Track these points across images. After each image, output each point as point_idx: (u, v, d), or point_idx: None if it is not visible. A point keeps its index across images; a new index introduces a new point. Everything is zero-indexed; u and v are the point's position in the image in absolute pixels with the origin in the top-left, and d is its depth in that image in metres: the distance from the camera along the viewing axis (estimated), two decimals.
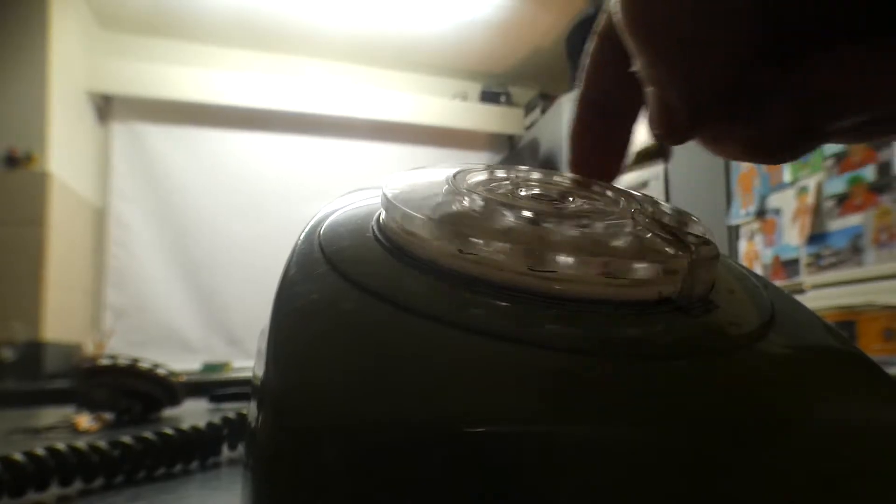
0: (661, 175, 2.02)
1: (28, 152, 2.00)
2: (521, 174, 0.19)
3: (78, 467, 0.28)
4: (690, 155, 1.94)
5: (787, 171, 1.53)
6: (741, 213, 1.71)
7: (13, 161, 1.99)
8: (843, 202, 1.38)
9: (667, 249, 0.15)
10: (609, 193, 0.18)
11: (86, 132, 2.37)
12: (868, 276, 1.33)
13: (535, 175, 0.19)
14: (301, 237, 0.17)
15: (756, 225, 1.65)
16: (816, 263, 1.45)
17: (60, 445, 0.28)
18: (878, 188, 1.31)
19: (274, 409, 0.11)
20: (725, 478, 0.12)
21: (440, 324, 0.13)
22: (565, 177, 0.19)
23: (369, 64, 2.79)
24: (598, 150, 0.19)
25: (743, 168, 1.71)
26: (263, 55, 2.66)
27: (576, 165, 0.19)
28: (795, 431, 0.12)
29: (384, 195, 0.16)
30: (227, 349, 2.47)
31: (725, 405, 0.12)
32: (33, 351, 1.90)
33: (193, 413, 0.58)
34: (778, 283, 1.48)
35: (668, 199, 1.93)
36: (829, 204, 1.42)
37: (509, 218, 0.15)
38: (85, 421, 0.49)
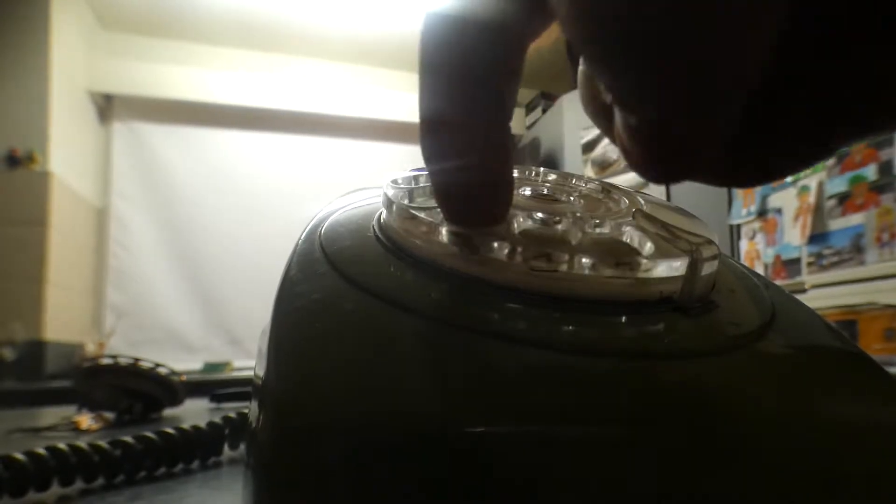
0: None
1: (29, 152, 2.00)
2: (521, 174, 0.19)
3: (79, 467, 0.28)
4: None
5: None
6: (742, 212, 1.71)
7: (14, 161, 2.00)
8: (845, 202, 1.38)
9: (667, 249, 0.15)
10: (610, 193, 0.18)
11: (87, 132, 2.38)
12: (869, 275, 1.33)
13: (536, 174, 0.19)
14: (302, 237, 0.17)
15: (757, 224, 1.65)
16: (817, 263, 1.45)
17: (61, 445, 0.28)
18: (879, 188, 1.31)
19: (275, 409, 0.11)
20: (726, 477, 0.11)
21: (441, 324, 0.13)
22: (566, 176, 0.19)
23: (369, 64, 2.79)
24: None
25: None
26: (264, 55, 2.67)
27: None
28: (796, 431, 0.12)
29: (385, 195, 0.16)
30: (228, 349, 2.47)
31: (726, 405, 0.12)
32: (34, 350, 1.90)
33: (194, 413, 0.58)
34: (779, 282, 1.48)
35: (668, 199, 1.93)
36: (830, 203, 1.42)
37: (510, 218, 0.15)
38: (86, 420, 0.49)
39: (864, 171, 1.33)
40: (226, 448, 0.34)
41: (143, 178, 2.52)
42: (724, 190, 1.80)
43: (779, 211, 1.57)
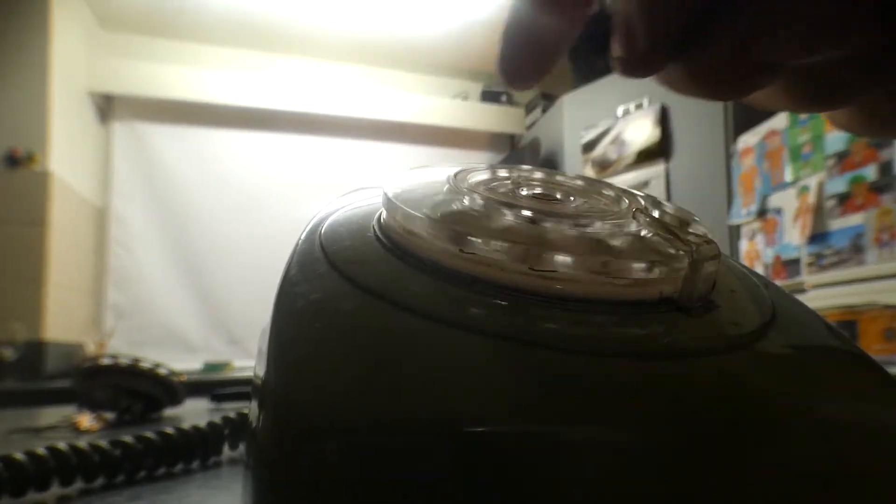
0: (661, 174, 2.02)
1: (29, 152, 2.00)
2: (522, 174, 0.19)
3: (79, 467, 0.28)
4: (692, 154, 1.94)
5: (788, 171, 1.53)
6: (742, 212, 1.71)
7: (14, 161, 2.00)
8: (845, 202, 1.38)
9: (668, 249, 0.15)
10: (610, 193, 0.18)
11: (87, 132, 2.38)
12: (869, 275, 1.33)
13: (536, 174, 0.19)
14: (302, 237, 0.17)
15: (757, 224, 1.65)
16: (817, 263, 1.45)
17: (61, 445, 0.28)
18: (879, 188, 1.31)
19: (275, 409, 0.11)
20: (726, 477, 0.11)
21: (441, 324, 0.13)
22: (566, 176, 0.19)
23: (370, 64, 2.79)
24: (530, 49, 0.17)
25: (744, 168, 1.71)
26: (264, 55, 2.67)
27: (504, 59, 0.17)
28: (796, 431, 0.12)
29: (385, 195, 0.16)
30: (228, 349, 2.47)
31: (726, 405, 0.12)
32: (34, 350, 1.90)
33: (194, 412, 0.58)
34: (779, 282, 1.48)
35: (668, 199, 1.93)
36: (830, 203, 1.42)
37: (510, 218, 0.15)
38: (86, 420, 0.49)
39: (864, 171, 1.33)
40: (226, 448, 0.34)
41: (143, 178, 2.52)
42: (723, 190, 1.80)
43: (778, 211, 1.57)
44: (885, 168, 1.29)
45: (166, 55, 2.52)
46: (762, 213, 1.63)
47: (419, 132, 2.82)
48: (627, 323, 0.14)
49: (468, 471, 0.10)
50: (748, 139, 1.70)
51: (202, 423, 0.33)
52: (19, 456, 0.26)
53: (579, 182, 0.19)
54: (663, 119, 2.02)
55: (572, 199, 0.18)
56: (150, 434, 0.30)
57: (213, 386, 0.75)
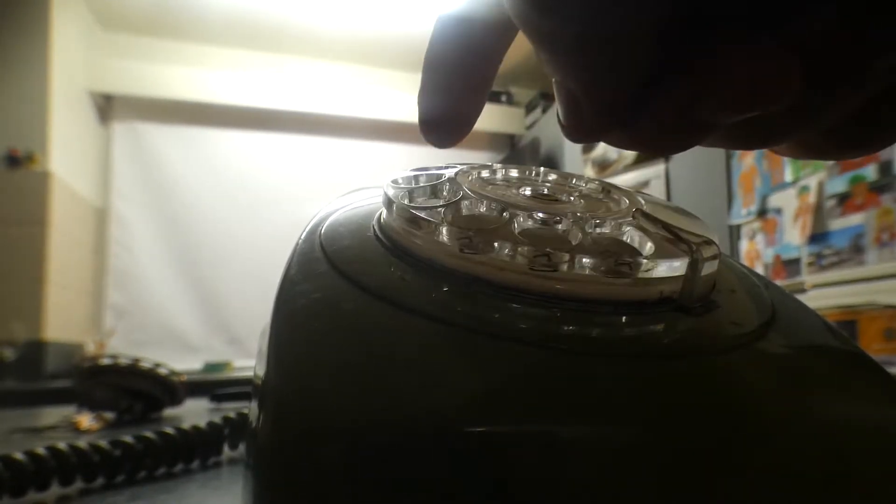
0: (662, 174, 2.02)
1: (29, 152, 2.00)
2: (521, 174, 0.19)
3: (79, 467, 0.28)
4: (692, 155, 1.94)
5: (788, 171, 1.53)
6: (742, 212, 1.71)
7: (14, 161, 2.00)
8: (845, 202, 1.38)
9: (668, 249, 0.15)
10: (610, 193, 0.18)
11: (87, 132, 2.38)
12: (869, 275, 1.33)
13: (536, 174, 0.19)
14: (302, 237, 0.17)
15: (757, 224, 1.65)
16: (817, 263, 1.45)
17: (61, 445, 0.28)
18: (879, 188, 1.31)
19: (275, 409, 0.11)
20: (725, 477, 0.11)
21: (441, 324, 0.13)
22: (566, 176, 0.19)
23: (369, 64, 2.79)
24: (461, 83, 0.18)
25: (744, 167, 1.71)
26: (264, 55, 2.67)
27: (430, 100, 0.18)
28: (795, 431, 0.12)
29: (385, 195, 0.16)
30: (228, 348, 2.47)
31: (726, 404, 0.12)
32: (34, 350, 1.90)
33: (194, 412, 0.58)
34: (779, 282, 1.48)
35: (669, 199, 1.93)
36: (830, 203, 1.42)
37: (510, 218, 0.15)
38: (86, 420, 0.49)
39: (864, 171, 1.33)
40: (226, 448, 0.34)
41: (143, 178, 2.52)
42: (723, 190, 1.80)
43: (779, 211, 1.57)
44: (885, 168, 1.29)
45: (166, 55, 2.52)
46: (762, 212, 1.63)
47: (419, 132, 2.82)
48: (628, 323, 0.14)
49: (468, 471, 0.10)
50: None
51: (202, 423, 0.33)
52: (19, 456, 0.26)
53: (579, 182, 0.19)
54: None
55: (572, 199, 0.18)
56: (150, 434, 0.30)
57: (213, 386, 0.75)
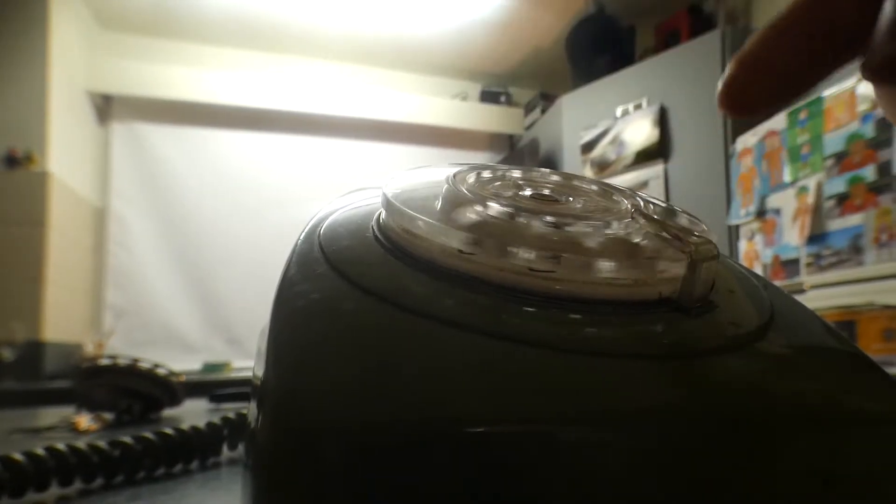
0: (661, 175, 2.02)
1: (28, 152, 2.00)
2: (521, 174, 0.19)
3: (78, 467, 0.28)
4: (691, 155, 1.94)
5: (787, 171, 1.53)
6: (741, 213, 1.71)
7: (13, 161, 1.99)
8: (843, 202, 1.38)
9: (667, 249, 0.15)
10: (609, 193, 0.18)
11: (86, 132, 2.37)
12: (868, 276, 1.33)
13: (535, 175, 0.19)
14: (301, 237, 0.17)
15: (756, 225, 1.66)
16: (816, 263, 1.45)
17: (60, 445, 0.28)
18: (877, 188, 1.31)
19: (274, 410, 0.11)
20: (725, 477, 0.11)
21: (440, 324, 0.13)
22: (566, 177, 0.19)
23: (369, 64, 2.79)
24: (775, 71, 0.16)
25: (743, 168, 1.71)
26: (263, 55, 2.67)
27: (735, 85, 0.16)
28: (795, 431, 0.12)
29: (384, 195, 0.16)
30: (227, 349, 2.47)
31: (725, 405, 0.12)
32: (33, 351, 1.90)
33: (193, 413, 0.58)
34: (778, 283, 1.48)
35: (667, 199, 1.94)
36: (829, 204, 1.42)
37: (509, 218, 0.15)
38: (85, 421, 0.49)
39: (863, 171, 1.33)
40: (225, 448, 0.34)
41: (142, 178, 2.52)
42: (722, 190, 1.80)
43: (777, 211, 1.57)
44: (883, 168, 1.29)
45: (166, 55, 2.52)
46: (761, 213, 1.63)
47: (419, 132, 2.82)
48: (627, 323, 0.14)
49: (467, 471, 0.10)
50: (747, 140, 1.70)
51: (201, 423, 0.33)
52: (18, 456, 0.26)
53: (578, 182, 0.19)
54: (662, 119, 2.02)
55: (571, 199, 0.18)
56: (149, 434, 0.30)
57: (212, 386, 0.74)
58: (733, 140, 1.77)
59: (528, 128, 2.86)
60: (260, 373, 0.13)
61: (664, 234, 0.15)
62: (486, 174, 0.19)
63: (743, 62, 0.16)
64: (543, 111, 2.72)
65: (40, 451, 0.27)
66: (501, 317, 0.13)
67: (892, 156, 1.28)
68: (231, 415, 0.35)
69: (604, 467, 0.11)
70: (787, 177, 1.53)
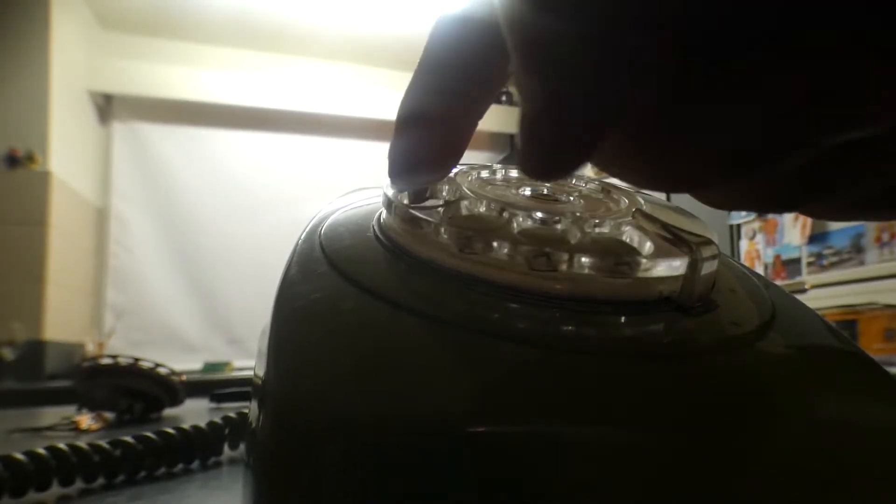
0: None
1: (29, 152, 2.00)
2: (521, 174, 0.19)
3: (79, 467, 0.28)
4: None
5: None
6: (742, 212, 1.71)
7: (14, 161, 2.00)
8: None
9: (667, 249, 0.15)
10: (610, 193, 0.18)
11: (87, 132, 2.38)
12: (869, 275, 1.33)
13: None
14: (302, 237, 0.17)
15: (757, 224, 1.65)
16: (817, 263, 1.45)
17: (61, 445, 0.28)
18: None
19: (275, 409, 0.11)
20: (725, 477, 0.11)
21: (441, 324, 0.13)
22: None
23: (369, 64, 2.79)
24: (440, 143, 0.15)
25: None
26: (264, 55, 2.67)
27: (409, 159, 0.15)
28: (796, 431, 0.12)
29: (385, 195, 0.16)
30: (228, 348, 2.47)
31: (726, 404, 0.12)
32: (34, 350, 1.90)
33: (194, 412, 0.58)
34: (779, 282, 1.48)
35: (668, 198, 1.93)
36: None
37: (510, 218, 0.15)
38: (86, 420, 0.49)
39: None
40: (226, 448, 0.34)
41: (143, 178, 2.52)
42: None
43: None
44: None
45: (166, 55, 2.52)
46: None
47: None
48: (627, 323, 0.14)
49: (468, 471, 0.10)
50: None
51: (202, 423, 0.33)
52: (19, 456, 0.26)
53: (579, 182, 0.19)
54: None
55: (572, 198, 0.18)
56: (150, 434, 0.30)
57: (213, 386, 0.75)
58: None
59: None
60: (261, 372, 0.13)
61: (665, 233, 0.15)
62: (487, 174, 0.19)
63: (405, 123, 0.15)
64: None
65: (41, 450, 0.27)
66: (502, 316, 0.13)
67: None
68: (232, 414, 0.35)
69: (603, 467, 0.11)
70: None
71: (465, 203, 0.16)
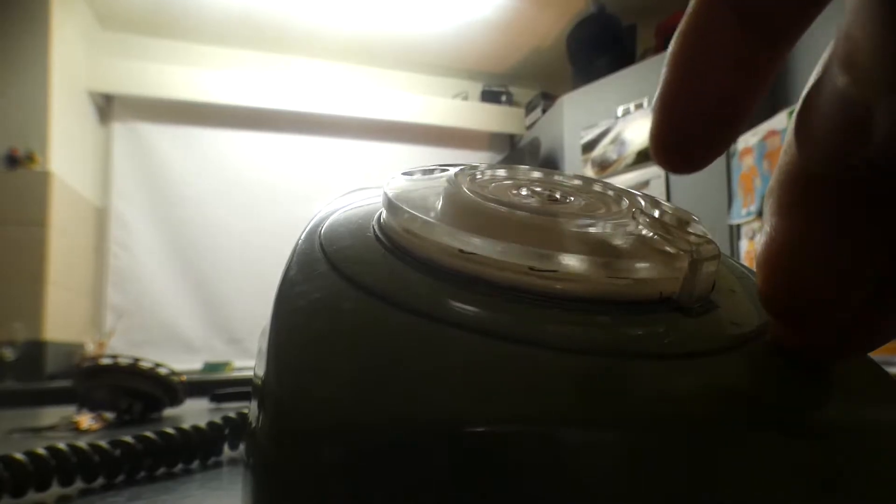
0: (661, 174, 2.02)
1: (29, 152, 2.00)
2: (521, 174, 0.19)
3: (79, 467, 0.28)
4: None
5: None
6: (742, 212, 1.71)
7: (14, 161, 2.00)
8: None
9: (667, 249, 0.15)
10: (610, 193, 0.18)
11: (87, 132, 2.38)
12: None
13: (536, 174, 0.19)
14: (302, 237, 0.16)
15: (757, 224, 1.65)
16: None
17: (61, 445, 0.28)
18: None
19: (274, 410, 0.11)
20: (725, 478, 0.11)
21: (441, 324, 0.13)
22: (566, 176, 0.19)
23: (369, 64, 2.79)
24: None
25: (744, 168, 1.71)
26: (264, 55, 2.67)
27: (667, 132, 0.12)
28: (795, 431, 0.12)
29: (385, 195, 0.16)
30: (228, 348, 2.47)
31: (725, 405, 0.12)
32: (34, 350, 1.90)
33: (194, 412, 0.58)
34: None
35: (668, 199, 1.94)
36: None
37: (510, 217, 0.15)
38: (86, 420, 0.49)
39: None
40: (226, 448, 0.34)
41: (143, 178, 2.52)
42: (723, 190, 1.80)
43: None
44: None
45: (166, 55, 2.52)
46: (762, 212, 1.63)
47: (419, 132, 2.82)
48: (627, 323, 0.14)
49: (468, 471, 0.10)
50: (748, 139, 1.70)
51: (202, 423, 0.33)
52: (19, 456, 0.26)
53: (579, 182, 0.19)
54: None
55: (572, 199, 0.18)
56: (150, 434, 0.30)
57: (213, 386, 0.75)
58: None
59: (529, 127, 2.86)
60: (261, 373, 0.13)
61: (665, 233, 0.15)
62: (487, 174, 0.19)
63: (665, 102, 0.12)
64: (544, 111, 2.72)
65: (41, 450, 0.27)
66: (502, 317, 0.13)
67: None
68: (232, 414, 0.35)
69: (603, 468, 0.11)
70: None
71: (465, 203, 0.16)
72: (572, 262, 0.14)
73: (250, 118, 2.62)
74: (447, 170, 0.18)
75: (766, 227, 0.12)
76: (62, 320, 2.04)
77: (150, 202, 2.52)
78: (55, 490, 0.27)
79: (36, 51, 2.04)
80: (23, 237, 1.96)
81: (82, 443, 0.28)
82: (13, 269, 1.94)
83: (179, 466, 0.31)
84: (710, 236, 0.15)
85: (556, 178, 0.19)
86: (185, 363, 2.05)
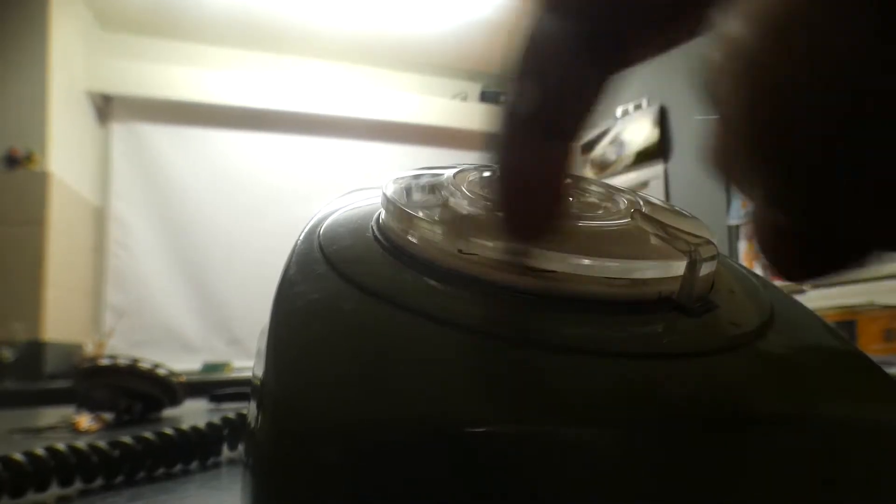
0: (661, 175, 2.02)
1: (28, 152, 2.00)
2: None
3: (78, 467, 0.28)
4: (690, 155, 1.94)
5: None
6: (741, 213, 1.71)
7: (13, 161, 1.99)
8: None
9: (666, 249, 0.15)
10: (609, 193, 0.18)
11: (86, 132, 2.37)
12: (868, 275, 1.33)
13: None
14: (301, 237, 0.17)
15: None
16: None
17: (60, 445, 0.28)
18: None
19: (273, 410, 0.11)
20: (724, 477, 0.11)
21: (439, 324, 0.13)
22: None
23: (369, 64, 2.79)
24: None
25: None
26: (263, 55, 2.67)
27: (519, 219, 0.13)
28: (795, 431, 0.12)
29: (384, 195, 0.16)
30: (228, 349, 2.47)
31: (725, 405, 0.12)
32: (33, 351, 1.90)
33: (193, 413, 0.58)
34: (777, 283, 1.48)
35: (668, 199, 1.94)
36: None
37: None
38: (85, 421, 0.49)
39: None
40: (225, 448, 0.34)
41: (142, 178, 2.52)
42: (722, 190, 1.80)
43: None
44: None
45: (166, 55, 2.52)
46: None
47: (418, 132, 2.82)
48: (626, 323, 0.14)
49: (467, 471, 0.10)
50: None
51: (201, 423, 0.33)
52: (18, 456, 0.26)
53: (578, 182, 0.19)
54: (662, 119, 2.02)
55: (571, 199, 0.18)
56: (149, 435, 0.30)
57: (212, 386, 0.74)
58: None
59: None
60: (260, 373, 0.13)
61: (664, 233, 0.15)
62: (487, 174, 0.19)
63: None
64: None
65: (40, 451, 0.27)
66: (500, 317, 0.13)
67: None
68: (231, 415, 0.35)
69: (602, 467, 0.11)
70: None
71: (464, 203, 0.16)
72: (571, 262, 0.14)
73: (250, 118, 2.61)
74: (446, 170, 0.18)
75: None
76: (61, 320, 2.04)
77: (150, 202, 2.52)
78: (54, 490, 0.27)
79: (35, 51, 2.03)
80: (22, 237, 1.96)
81: (81, 443, 0.28)
82: (12, 269, 1.93)
83: (178, 467, 0.31)
84: (708, 237, 0.15)
85: None
86: (184, 363, 2.05)
